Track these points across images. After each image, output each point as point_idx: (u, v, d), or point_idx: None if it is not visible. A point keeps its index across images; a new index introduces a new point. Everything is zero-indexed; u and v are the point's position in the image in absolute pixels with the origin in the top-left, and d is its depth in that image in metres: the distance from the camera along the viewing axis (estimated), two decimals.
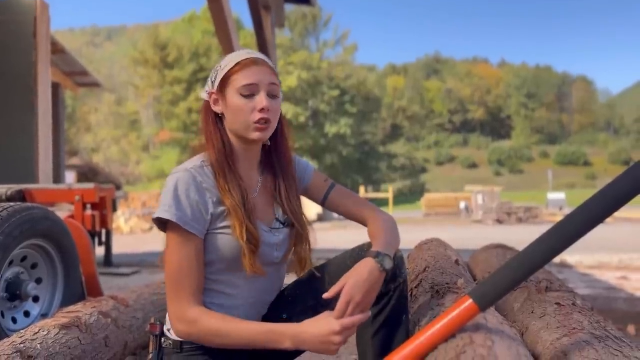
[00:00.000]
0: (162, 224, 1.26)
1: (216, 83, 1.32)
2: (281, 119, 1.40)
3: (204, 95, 1.36)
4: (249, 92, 1.28)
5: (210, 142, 1.32)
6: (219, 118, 1.35)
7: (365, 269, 1.20)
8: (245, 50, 1.35)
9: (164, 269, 1.28)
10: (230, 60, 1.32)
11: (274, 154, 1.41)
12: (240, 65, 1.29)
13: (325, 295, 1.21)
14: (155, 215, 1.24)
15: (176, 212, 1.22)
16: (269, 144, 1.40)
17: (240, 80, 1.28)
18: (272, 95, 1.30)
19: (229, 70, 1.30)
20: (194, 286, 1.23)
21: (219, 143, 1.32)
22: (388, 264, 1.22)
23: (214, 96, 1.33)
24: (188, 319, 1.21)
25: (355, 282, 1.18)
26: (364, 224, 1.43)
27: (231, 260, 1.29)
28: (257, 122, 1.27)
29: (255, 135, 1.29)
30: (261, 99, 1.27)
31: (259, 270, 1.28)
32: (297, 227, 1.39)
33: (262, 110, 1.27)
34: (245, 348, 1.22)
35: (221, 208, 1.28)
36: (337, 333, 1.12)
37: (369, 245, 1.35)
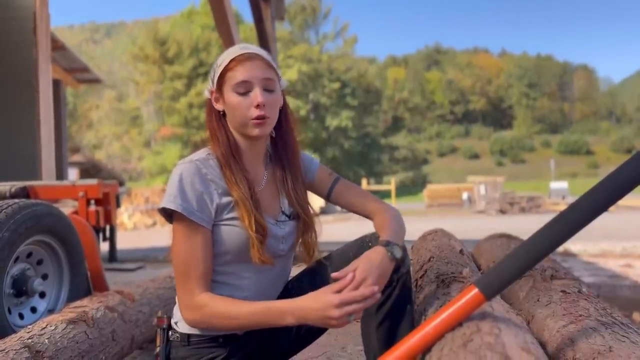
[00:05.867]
0: (168, 215, 1.27)
1: (215, 81, 1.33)
2: (286, 112, 1.41)
3: (206, 93, 1.38)
4: (244, 90, 1.28)
5: (215, 138, 1.34)
6: (222, 115, 1.36)
7: (377, 255, 1.21)
8: (239, 46, 1.34)
9: (172, 262, 1.28)
10: (224, 57, 1.32)
11: (280, 146, 1.42)
12: (234, 62, 1.29)
13: (334, 275, 1.18)
14: (161, 206, 1.25)
15: (181, 203, 1.22)
16: (274, 135, 1.41)
17: (235, 77, 1.28)
18: (267, 90, 1.30)
19: (224, 68, 1.30)
20: (201, 274, 1.23)
21: (224, 139, 1.33)
22: (398, 253, 1.24)
23: (214, 94, 1.35)
24: (196, 305, 1.22)
25: (368, 266, 1.18)
26: (369, 217, 1.44)
27: (239, 252, 1.30)
28: (255, 118, 1.28)
29: (254, 131, 1.30)
30: (256, 95, 1.28)
31: (267, 260, 1.29)
32: (303, 218, 1.40)
33: (258, 106, 1.27)
34: (252, 328, 1.22)
35: (227, 199, 1.29)
36: (336, 306, 1.09)
37: (371, 236, 1.36)
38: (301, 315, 1.13)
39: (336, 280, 1.17)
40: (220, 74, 1.31)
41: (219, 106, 1.34)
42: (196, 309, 1.22)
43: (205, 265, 1.25)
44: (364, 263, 1.19)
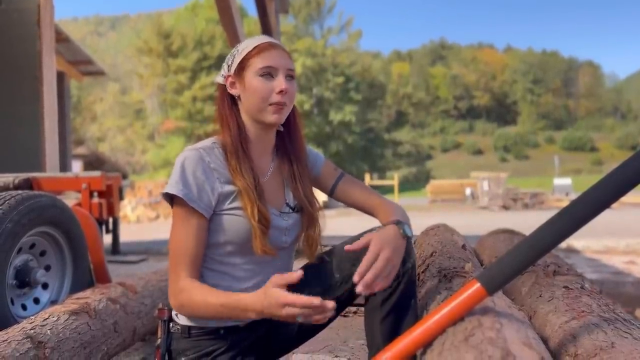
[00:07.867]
0: (171, 200, 1.28)
1: (233, 67, 1.34)
2: (295, 109, 1.43)
3: (219, 79, 1.38)
4: (269, 75, 1.30)
5: (225, 124, 1.35)
6: (234, 101, 1.37)
7: (390, 230, 1.24)
8: (262, 36, 1.37)
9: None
10: (248, 44, 1.34)
11: (287, 140, 1.43)
12: (259, 49, 1.32)
13: (347, 247, 1.21)
14: (164, 191, 1.27)
15: (182, 189, 1.24)
16: (282, 129, 1.42)
17: (260, 62, 1.30)
18: (289, 79, 1.33)
19: (247, 54, 1.32)
20: (190, 260, 1.25)
21: (235, 126, 1.34)
22: (409, 231, 1.26)
23: (230, 79, 1.36)
24: (179, 289, 1.23)
25: (383, 238, 1.20)
26: (373, 213, 1.45)
27: (241, 242, 1.30)
28: (275, 104, 1.30)
29: (272, 117, 1.31)
30: (280, 81, 1.30)
31: (270, 251, 1.29)
32: (308, 212, 1.40)
33: (281, 92, 1.29)
34: (224, 319, 1.24)
35: (230, 188, 1.29)
36: (281, 306, 1.06)
37: (377, 229, 1.36)
38: (259, 310, 1.12)
39: (350, 252, 1.22)
40: (243, 59, 1.32)
41: (234, 91, 1.35)
42: (178, 293, 1.23)
43: (196, 252, 1.26)
44: (377, 236, 1.20)
